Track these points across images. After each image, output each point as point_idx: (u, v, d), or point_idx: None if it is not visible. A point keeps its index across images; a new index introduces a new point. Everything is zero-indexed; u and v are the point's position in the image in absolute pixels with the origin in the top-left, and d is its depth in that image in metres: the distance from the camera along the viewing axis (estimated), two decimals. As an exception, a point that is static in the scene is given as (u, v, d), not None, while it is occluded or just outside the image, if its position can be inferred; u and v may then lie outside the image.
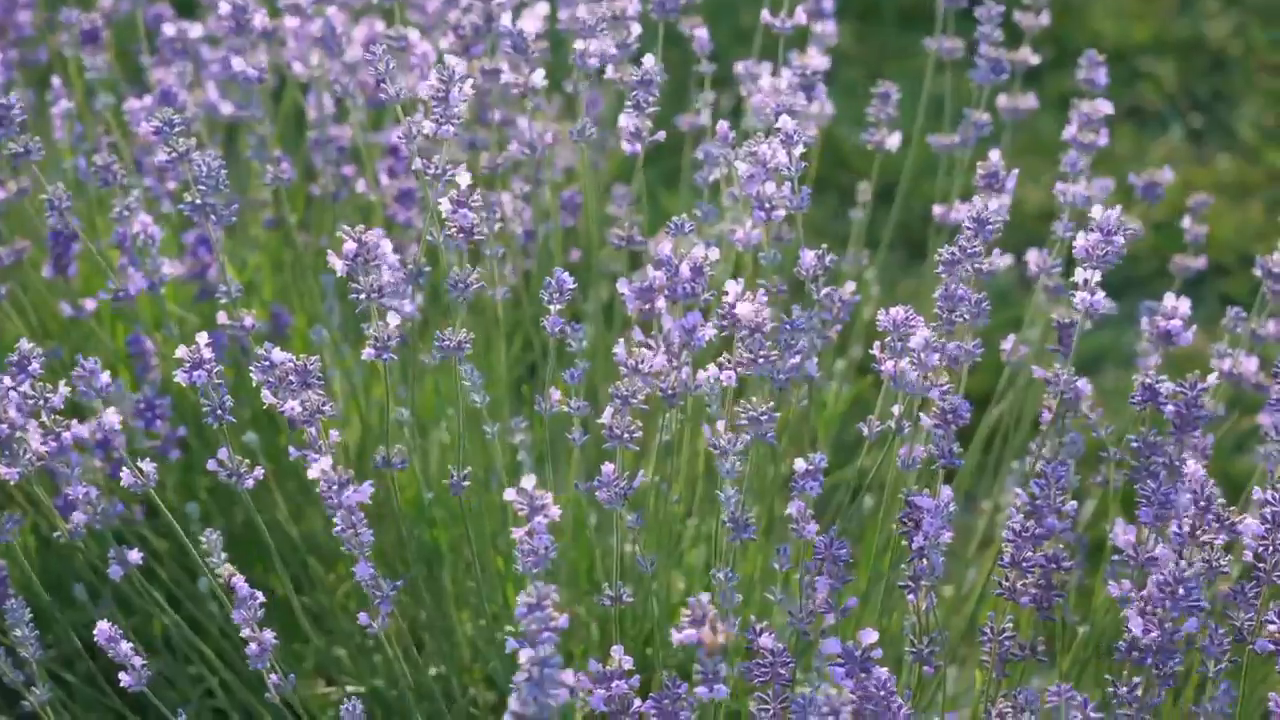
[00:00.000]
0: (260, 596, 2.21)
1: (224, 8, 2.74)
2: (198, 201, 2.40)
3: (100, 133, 3.06)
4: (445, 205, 2.31)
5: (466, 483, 2.37)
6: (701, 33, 2.88)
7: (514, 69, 2.58)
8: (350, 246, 2.25)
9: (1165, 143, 4.43)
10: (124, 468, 2.28)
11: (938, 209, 2.92)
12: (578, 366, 2.35)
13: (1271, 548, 2.16)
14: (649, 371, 2.22)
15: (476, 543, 2.52)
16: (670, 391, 2.27)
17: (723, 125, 2.62)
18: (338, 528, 2.17)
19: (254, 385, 2.77)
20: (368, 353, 2.28)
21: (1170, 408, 2.31)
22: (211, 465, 2.27)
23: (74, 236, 2.76)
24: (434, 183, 2.35)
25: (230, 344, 2.85)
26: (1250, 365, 2.66)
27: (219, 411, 2.26)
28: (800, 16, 2.77)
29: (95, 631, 2.24)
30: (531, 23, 2.61)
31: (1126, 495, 2.65)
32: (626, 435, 2.20)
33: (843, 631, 2.49)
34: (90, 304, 2.84)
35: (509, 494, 2.06)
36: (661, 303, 2.28)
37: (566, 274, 2.28)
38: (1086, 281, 2.29)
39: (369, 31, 3.13)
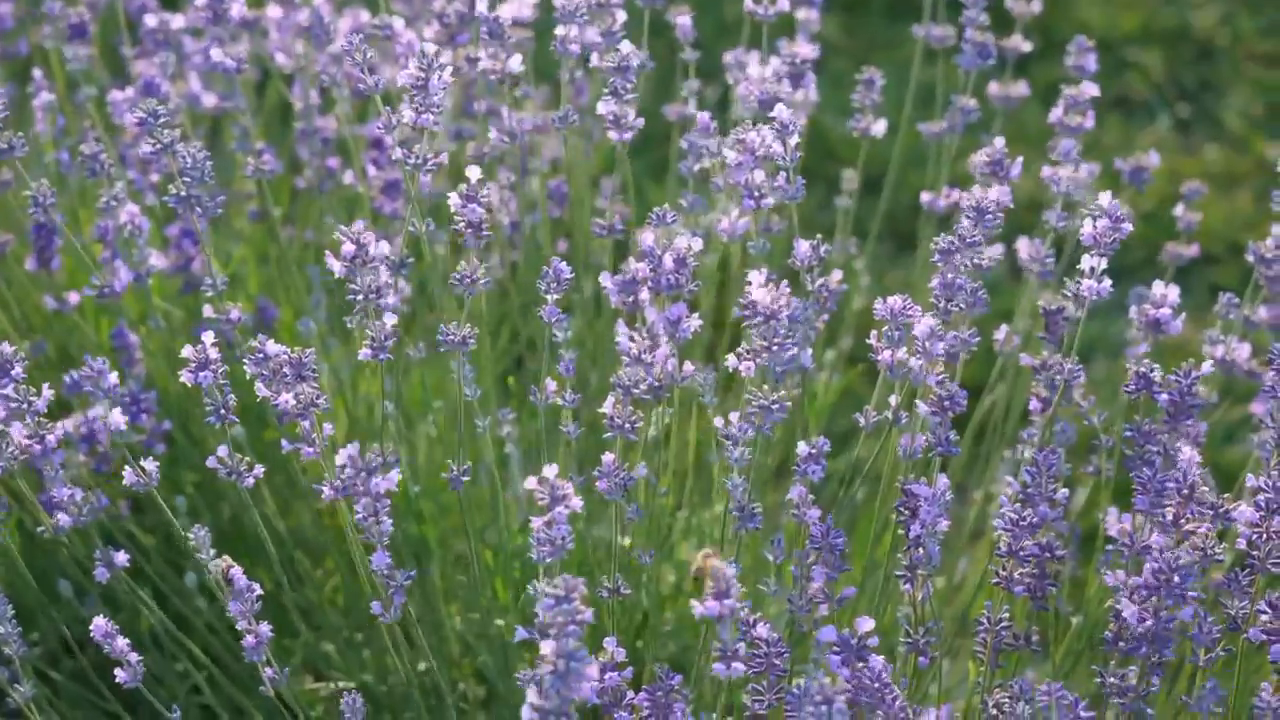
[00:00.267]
0: (256, 589, 2.19)
1: (200, -1, 2.72)
2: (183, 193, 2.38)
3: (85, 126, 3.03)
4: (454, 200, 2.29)
5: (466, 477, 2.35)
6: (684, 20, 2.86)
7: (491, 56, 2.56)
8: (349, 248, 2.23)
9: (1152, 132, 4.42)
10: (126, 466, 2.26)
11: (926, 196, 2.90)
12: (566, 357, 2.32)
13: (1265, 535, 2.15)
14: (651, 362, 2.20)
15: (468, 537, 2.50)
16: (657, 384, 2.25)
17: (703, 116, 2.60)
18: (359, 516, 2.15)
19: (239, 379, 2.76)
20: (364, 353, 2.26)
21: (1165, 396, 2.30)
22: (211, 463, 2.25)
23: (56, 230, 2.73)
24: (415, 172, 2.33)
25: (216, 338, 2.82)
26: (1243, 352, 2.65)
27: (222, 411, 2.24)
28: (783, 3, 2.75)
29: (91, 627, 2.22)
30: (520, 9, 2.59)
31: (1118, 485, 2.64)
32: (628, 425, 2.18)
33: (837, 622, 2.47)
34: (74, 297, 2.82)
35: (529, 483, 2.04)
36: (645, 295, 2.26)
37: (564, 264, 2.26)
38: (1093, 269, 2.27)
39: (354, 22, 3.11)
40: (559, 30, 2.54)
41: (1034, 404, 2.48)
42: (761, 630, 2.12)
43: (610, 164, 3.57)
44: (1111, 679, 2.16)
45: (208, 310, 2.48)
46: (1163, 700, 2.41)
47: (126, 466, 2.26)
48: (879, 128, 2.83)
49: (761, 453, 2.72)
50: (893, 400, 2.28)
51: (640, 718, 2.12)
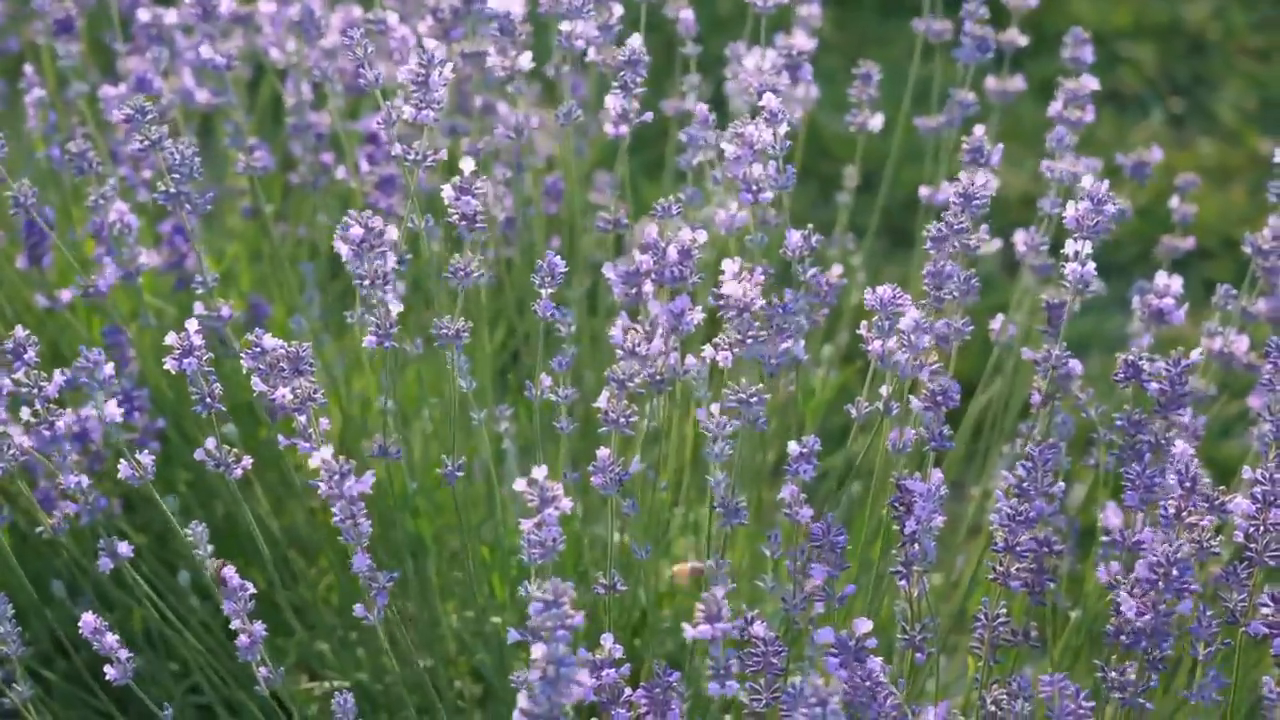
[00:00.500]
0: (250, 588, 2.17)
1: (189, -7, 2.71)
2: (172, 190, 2.36)
3: (75, 122, 3.02)
4: (448, 192, 2.28)
5: (460, 473, 2.33)
6: (687, 14, 2.85)
7: (500, 52, 2.55)
8: (357, 232, 2.22)
9: (1146, 127, 4.42)
10: (121, 459, 2.25)
11: (924, 190, 2.89)
12: (565, 353, 2.31)
13: (1262, 528, 2.14)
14: (646, 355, 2.19)
15: (464, 534, 2.49)
16: (659, 377, 2.24)
17: (701, 108, 2.59)
18: (336, 518, 2.13)
19: (232, 377, 2.75)
20: (369, 340, 2.25)
21: (1155, 385, 2.29)
22: (199, 455, 2.24)
23: (47, 230, 2.72)
24: (414, 168, 2.32)
25: (209, 335, 2.81)
26: (1241, 344, 2.64)
27: (208, 400, 2.22)
28: (783, -4, 2.74)
29: (80, 624, 2.21)
30: (514, 4, 2.57)
31: (1118, 478, 2.64)
32: (623, 420, 2.17)
33: (833, 620, 2.46)
34: (66, 295, 2.81)
35: (518, 484, 2.03)
36: (649, 287, 2.25)
37: (558, 258, 2.25)
38: (1077, 254, 2.26)
39: (346, 17, 3.09)
40: (563, 26, 2.53)
41: (1035, 397, 2.47)
42: (758, 629, 2.11)
43: (604, 160, 3.56)
44: (1113, 674, 2.15)
45: (199, 307, 2.47)
46: (1161, 695, 2.41)
47: (121, 460, 2.25)
48: (876, 122, 2.82)
49: (757, 449, 2.71)
50: (884, 391, 2.27)
51: (638, 715, 2.11)
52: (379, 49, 3.02)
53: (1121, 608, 2.11)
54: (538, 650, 1.77)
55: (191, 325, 2.20)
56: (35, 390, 2.24)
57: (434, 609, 2.75)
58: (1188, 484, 2.12)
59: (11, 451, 2.26)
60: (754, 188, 2.34)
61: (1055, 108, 2.70)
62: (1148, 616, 2.09)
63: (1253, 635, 2.15)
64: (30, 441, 2.32)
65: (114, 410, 2.20)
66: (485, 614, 2.66)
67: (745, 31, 2.89)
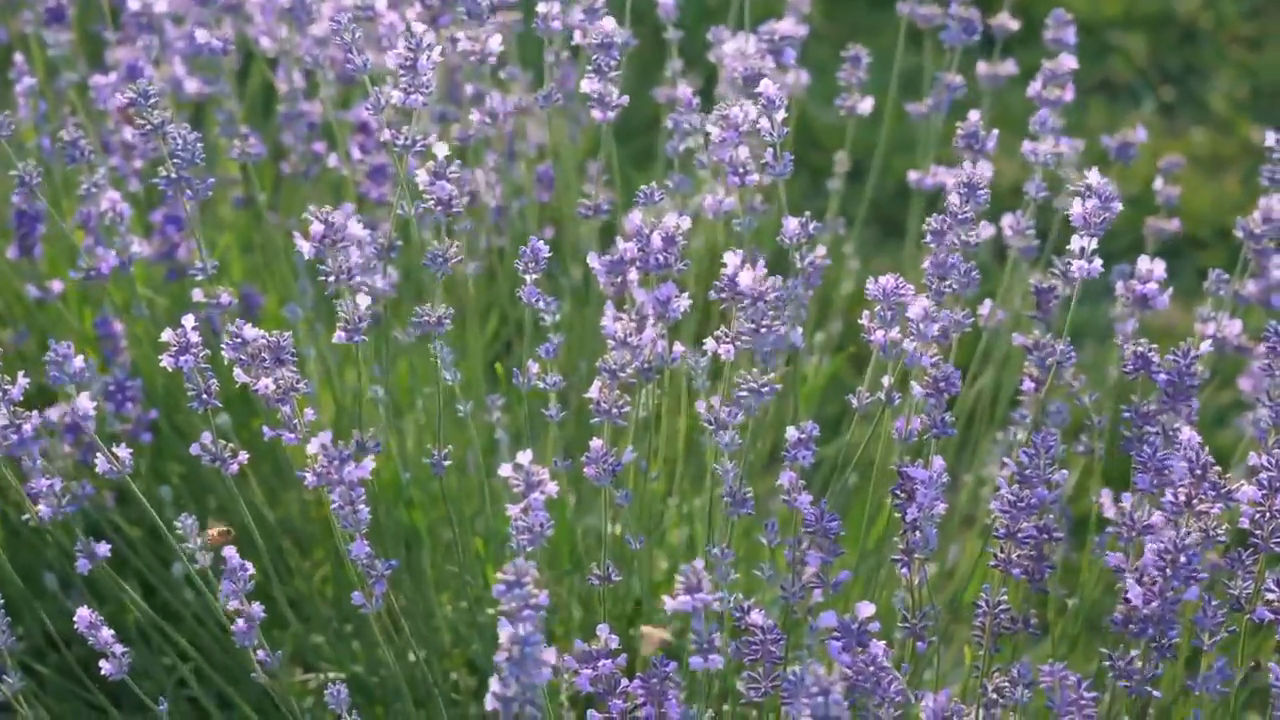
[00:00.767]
0: (250, 568, 2.15)
1: (184, -20, 2.69)
2: (173, 175, 2.34)
3: (65, 112, 3.00)
4: (423, 176, 2.26)
5: (448, 461, 2.32)
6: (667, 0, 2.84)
7: (471, 37, 2.53)
8: (317, 228, 2.19)
9: (1137, 116, 4.40)
10: (98, 453, 2.22)
11: (913, 175, 2.88)
12: (552, 340, 2.29)
13: (1268, 514, 2.13)
14: (638, 345, 2.17)
15: (457, 525, 2.48)
16: (647, 366, 2.23)
17: (685, 91, 2.57)
18: (335, 504, 2.11)
19: (225, 367, 2.73)
20: (339, 336, 2.23)
21: (1163, 376, 2.27)
22: (195, 450, 2.21)
23: (39, 217, 2.70)
24: (404, 154, 2.30)
25: (202, 326, 2.79)
26: (1234, 328, 2.63)
27: (204, 396, 2.20)
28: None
29: (75, 618, 2.19)
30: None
31: (1109, 467, 2.62)
32: (615, 410, 2.15)
33: (832, 608, 2.45)
34: (57, 285, 2.78)
35: (504, 470, 2.01)
36: (634, 275, 2.23)
37: (541, 243, 2.23)
38: (1084, 250, 2.24)
39: (337, 3, 3.07)
40: (540, 8, 2.51)
41: (1026, 384, 2.46)
42: (756, 617, 2.10)
43: (597, 148, 3.55)
44: (1120, 662, 2.14)
45: (197, 294, 2.44)
46: (1165, 684, 2.40)
47: (99, 454, 2.23)
48: (865, 106, 2.80)
49: (753, 438, 2.70)
50: (886, 381, 2.25)
51: (634, 705, 2.09)
52: (368, 36, 3.00)
53: (1129, 594, 2.09)
54: (504, 631, 1.75)
55: (188, 321, 2.18)
56: (1, 394, 2.20)
57: (428, 600, 2.73)
58: (1199, 471, 2.10)
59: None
60: (740, 170, 2.32)
61: (1034, 88, 2.69)
62: (1155, 604, 2.08)
63: (1258, 621, 2.14)
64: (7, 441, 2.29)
65: (86, 404, 2.16)
66: (480, 605, 2.64)
67: (729, 18, 2.88)
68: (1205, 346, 2.28)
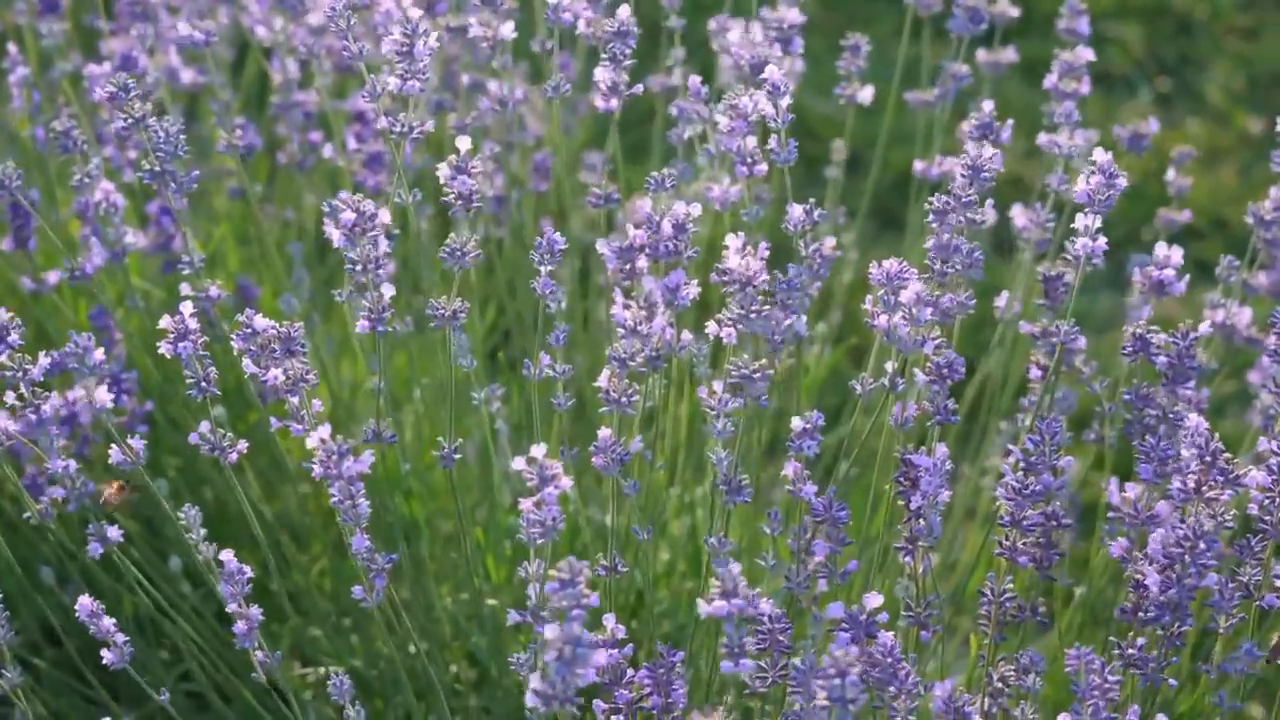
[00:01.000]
0: (248, 571, 2.13)
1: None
2: (157, 169, 2.32)
3: (60, 103, 2.98)
4: (444, 171, 2.23)
5: (457, 454, 2.30)
6: None
7: (483, 23, 2.51)
8: (348, 216, 2.17)
9: (1134, 107, 4.39)
10: (112, 444, 2.20)
11: (919, 165, 2.86)
12: (559, 328, 2.28)
13: (1278, 499, 2.11)
14: (648, 333, 2.15)
15: (459, 516, 2.46)
16: (654, 354, 2.21)
17: (694, 80, 2.56)
18: (334, 499, 2.09)
19: (219, 359, 2.71)
20: (362, 325, 2.21)
21: (1162, 359, 2.26)
22: (193, 439, 2.19)
23: (31, 213, 2.67)
24: (401, 141, 2.28)
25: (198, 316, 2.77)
26: (1243, 317, 2.62)
27: (203, 384, 2.18)
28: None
29: (76, 607, 2.16)
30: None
31: (1120, 454, 2.61)
32: (624, 399, 2.13)
33: (837, 599, 2.43)
34: (52, 277, 2.76)
35: (516, 463, 1.99)
36: (643, 262, 2.21)
37: (558, 234, 2.21)
38: (1087, 227, 2.23)
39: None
40: (551, -1, 2.50)
41: (1034, 371, 2.45)
42: (764, 606, 2.08)
43: (592, 140, 3.53)
44: (1131, 650, 2.12)
45: (185, 288, 2.42)
46: (1172, 672, 2.38)
47: (113, 445, 2.21)
48: (865, 95, 2.77)
49: (753, 427, 2.68)
50: (889, 367, 2.23)
51: (640, 696, 2.08)
52: (364, 25, 2.99)
53: (1146, 581, 2.07)
54: (552, 630, 1.73)
55: (186, 308, 2.16)
56: (20, 374, 2.19)
57: (428, 593, 2.71)
58: (1208, 457, 2.09)
59: (-2, 436, 2.22)
60: (749, 160, 2.30)
61: (1051, 80, 2.67)
62: (1172, 590, 2.06)
63: (1267, 608, 2.13)
64: (16, 426, 2.27)
65: (104, 396, 2.15)
66: (480, 597, 2.62)
67: (726, 7, 2.86)
68: (1204, 328, 2.27)
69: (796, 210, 2.30)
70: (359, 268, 2.17)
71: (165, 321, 2.15)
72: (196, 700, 2.75)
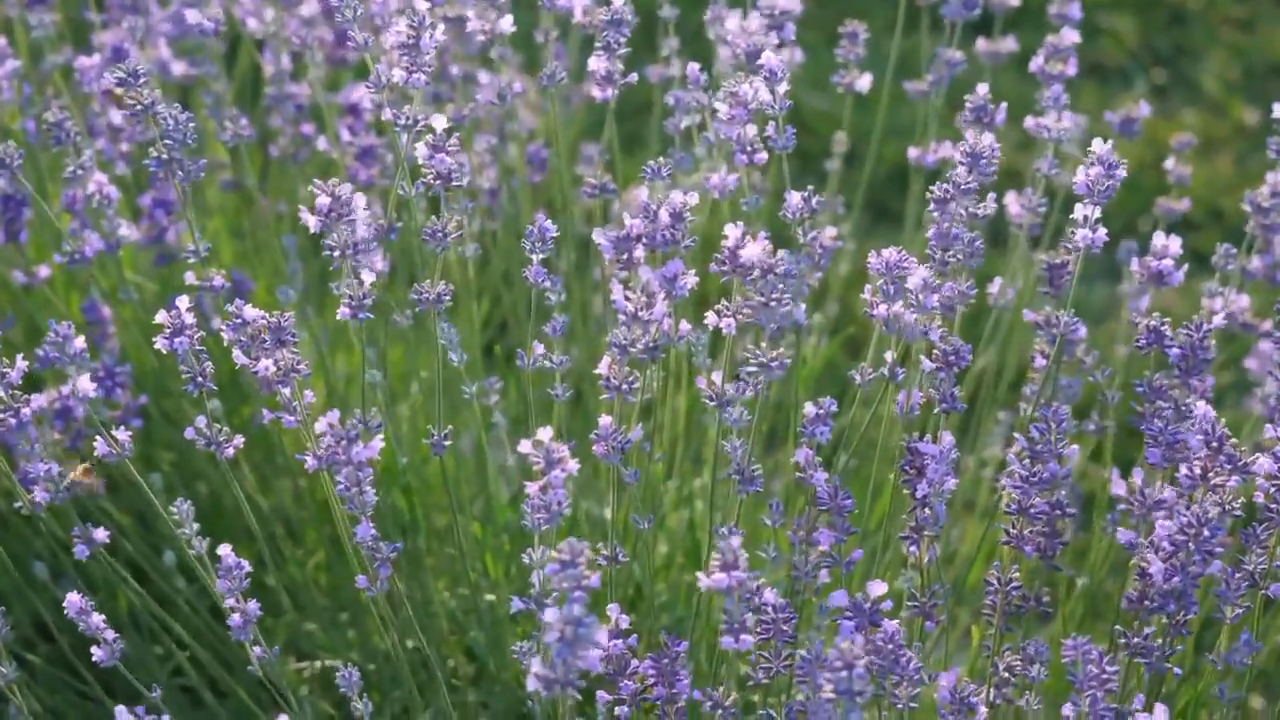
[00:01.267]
0: (246, 566, 2.11)
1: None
2: (164, 157, 2.29)
3: (50, 95, 2.95)
4: (422, 150, 2.21)
5: (448, 442, 2.27)
6: None
7: (480, 15, 2.49)
8: (324, 201, 2.15)
9: (1129, 98, 4.37)
10: (98, 437, 2.18)
11: (914, 151, 2.84)
12: (556, 319, 2.26)
13: (1284, 488, 2.10)
14: (649, 319, 2.12)
15: (455, 510, 2.44)
16: (653, 343, 2.19)
17: (693, 67, 2.54)
18: (340, 486, 2.07)
19: (213, 352, 2.69)
20: (343, 312, 2.18)
21: (1176, 350, 2.24)
22: (189, 434, 2.17)
23: (25, 201, 2.65)
24: (406, 133, 2.25)
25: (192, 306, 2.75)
26: (1241, 303, 2.60)
27: (200, 379, 2.16)
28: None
29: (65, 604, 2.14)
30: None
31: (1122, 443, 2.60)
32: (625, 386, 2.11)
33: (841, 587, 2.41)
34: (44, 271, 2.74)
35: (523, 446, 1.97)
36: (640, 252, 2.19)
37: (549, 222, 2.19)
38: (1088, 218, 2.21)
39: (329, -16, 3.03)
40: (548, -10, 2.48)
41: (1039, 360, 2.43)
42: (769, 596, 2.06)
43: (587, 131, 3.51)
44: (1136, 639, 2.10)
45: (189, 277, 2.39)
46: (1176, 660, 2.37)
47: (98, 438, 2.18)
48: (864, 83, 2.75)
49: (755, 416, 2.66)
50: (889, 356, 2.21)
51: (644, 686, 2.06)
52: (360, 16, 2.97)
53: (1150, 569, 2.05)
54: (552, 614, 1.71)
55: (183, 303, 2.13)
56: (-1, 376, 2.16)
57: (426, 587, 2.69)
58: (1214, 444, 2.07)
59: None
60: (748, 148, 2.28)
61: (1036, 62, 2.65)
62: (1176, 579, 2.04)
63: (1272, 596, 2.11)
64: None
65: (87, 385, 2.12)
66: (478, 591, 2.60)
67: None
68: (1218, 320, 2.26)
69: (795, 197, 2.28)
70: (337, 253, 2.15)
71: (161, 316, 2.13)
72: (191, 696, 2.73)
